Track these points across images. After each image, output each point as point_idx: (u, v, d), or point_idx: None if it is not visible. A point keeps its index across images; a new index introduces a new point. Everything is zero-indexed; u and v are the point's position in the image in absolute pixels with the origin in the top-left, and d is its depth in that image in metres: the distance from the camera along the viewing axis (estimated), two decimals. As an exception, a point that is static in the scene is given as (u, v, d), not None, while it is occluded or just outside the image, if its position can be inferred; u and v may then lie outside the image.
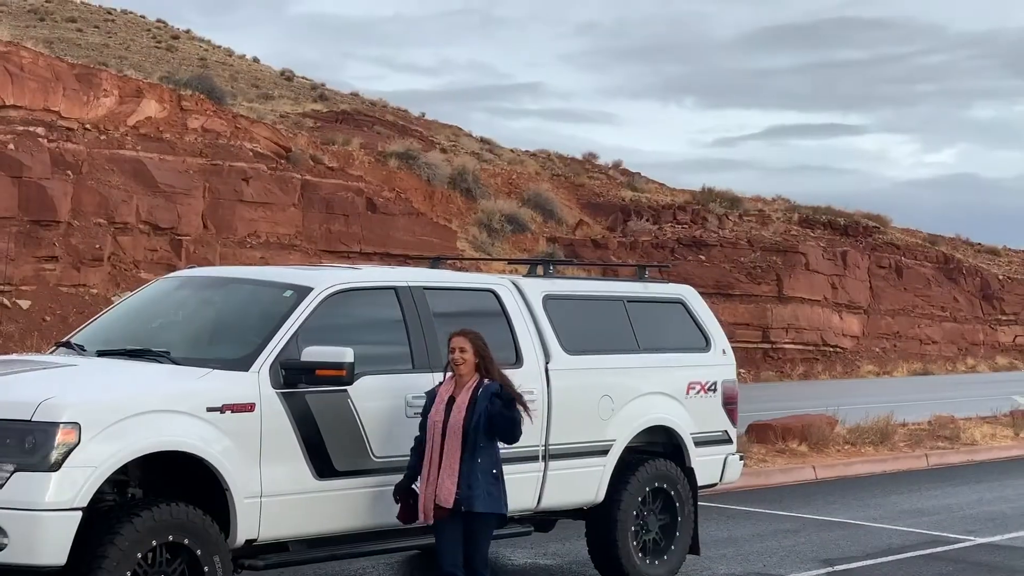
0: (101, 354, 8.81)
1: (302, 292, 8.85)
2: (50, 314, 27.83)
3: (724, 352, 11.49)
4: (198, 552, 7.87)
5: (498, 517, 8.65)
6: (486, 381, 8.58)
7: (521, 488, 9.72)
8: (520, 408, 8.62)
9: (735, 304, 43.16)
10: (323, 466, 8.50)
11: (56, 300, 28.54)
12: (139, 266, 30.30)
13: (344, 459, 8.60)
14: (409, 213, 38.15)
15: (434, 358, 9.21)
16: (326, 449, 8.51)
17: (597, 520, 10.48)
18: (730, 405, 11.38)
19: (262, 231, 33.76)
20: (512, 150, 57.00)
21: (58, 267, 29.06)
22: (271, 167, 35.19)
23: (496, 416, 8.49)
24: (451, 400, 8.53)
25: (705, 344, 11.39)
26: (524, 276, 10.66)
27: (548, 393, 9.89)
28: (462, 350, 8.61)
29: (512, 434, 8.63)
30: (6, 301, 27.76)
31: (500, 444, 8.72)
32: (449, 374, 8.70)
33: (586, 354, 10.32)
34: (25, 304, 28.00)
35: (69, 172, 30.09)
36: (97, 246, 29.74)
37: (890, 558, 12.15)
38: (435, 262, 11.14)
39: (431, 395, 8.66)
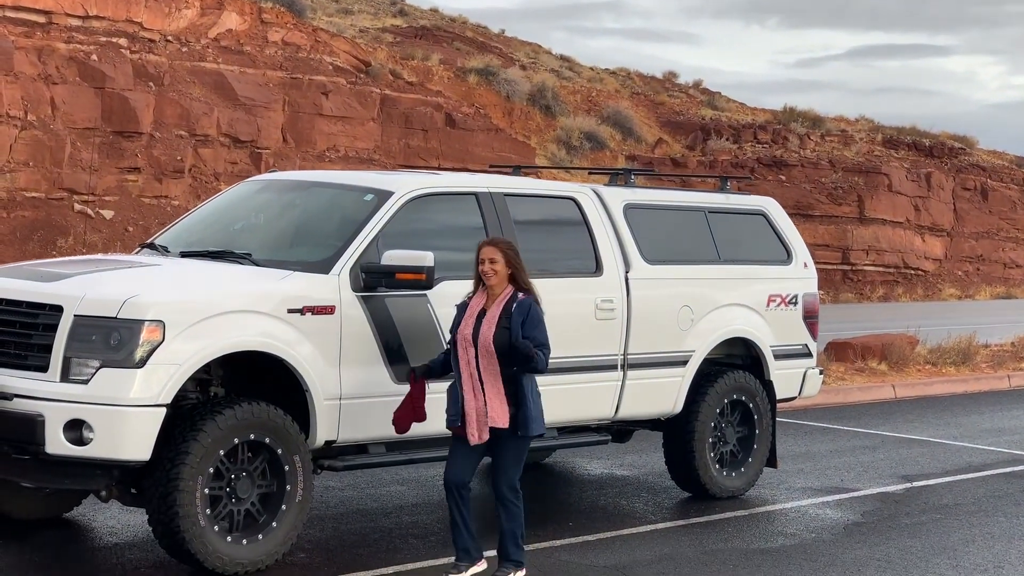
0: (184, 255, 8.88)
1: (383, 196, 8.84)
2: (132, 224, 28.14)
3: (806, 265, 11.38)
4: (279, 451, 7.96)
5: (529, 437, 8.01)
6: (520, 295, 7.90)
7: (599, 397, 9.74)
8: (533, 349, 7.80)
9: (815, 225, 42.68)
10: (402, 371, 8.52)
11: (138, 211, 28.85)
12: (219, 178, 30.49)
13: (424, 364, 8.60)
14: (488, 129, 38.01)
15: (514, 265, 9.16)
16: (405, 353, 8.53)
17: (674, 431, 10.47)
18: (811, 319, 11.28)
19: (341, 145, 33.81)
20: (592, 68, 56.46)
21: (140, 178, 29.33)
22: (350, 81, 35.16)
23: (519, 345, 7.78)
24: (482, 314, 7.86)
25: (786, 257, 11.27)
26: (605, 185, 10.58)
27: (628, 302, 9.84)
28: (492, 261, 7.90)
29: (536, 365, 7.86)
30: (90, 211, 28.10)
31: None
32: (482, 287, 7.97)
33: (666, 264, 10.25)
34: (108, 214, 28.33)
35: (151, 84, 30.26)
36: (178, 158, 29.96)
37: (969, 475, 12.04)
38: (516, 171, 11.08)
39: (461, 308, 7.98)
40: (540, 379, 9.17)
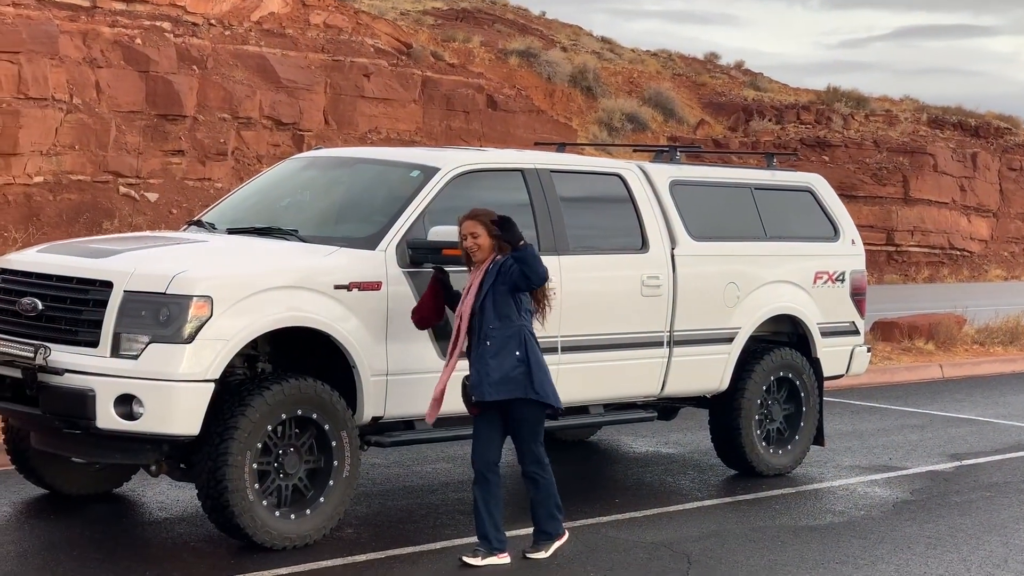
0: (231, 232, 8.90)
1: (429, 172, 8.83)
2: (176, 207, 28.30)
3: (853, 242, 11.31)
4: (326, 427, 7.98)
5: (539, 407, 7.71)
6: (499, 257, 7.69)
7: (645, 374, 9.71)
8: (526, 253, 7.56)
9: (859, 206, 42.35)
10: (447, 347, 8.52)
11: (182, 193, 29.00)
12: (261, 161, 30.59)
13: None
14: (529, 111, 37.95)
15: (560, 241, 9.16)
16: (451, 330, 8.51)
17: (720, 408, 10.43)
18: (858, 296, 11.21)
19: (383, 127, 33.85)
20: (632, 50, 56.25)
21: (184, 161, 29.48)
22: (392, 63, 35.18)
23: (511, 273, 7.57)
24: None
25: (834, 233, 11.20)
26: (651, 162, 10.54)
27: (674, 279, 9.81)
28: (474, 235, 7.70)
29: (530, 278, 7.57)
30: (134, 194, 28.28)
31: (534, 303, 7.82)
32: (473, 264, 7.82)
33: (712, 241, 10.20)
34: (153, 197, 28.50)
35: (194, 67, 30.38)
36: (221, 140, 30.09)
37: (1019, 454, 11.94)
38: (561, 147, 11.05)
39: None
40: (587, 355, 9.26)
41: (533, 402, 7.70)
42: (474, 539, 7.85)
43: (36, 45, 27.23)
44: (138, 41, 29.44)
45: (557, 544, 7.95)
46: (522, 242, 7.63)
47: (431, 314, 8.09)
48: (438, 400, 7.88)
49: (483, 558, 7.69)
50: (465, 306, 7.75)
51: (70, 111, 27.70)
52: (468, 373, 7.83)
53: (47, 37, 27.49)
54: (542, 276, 7.66)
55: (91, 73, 28.47)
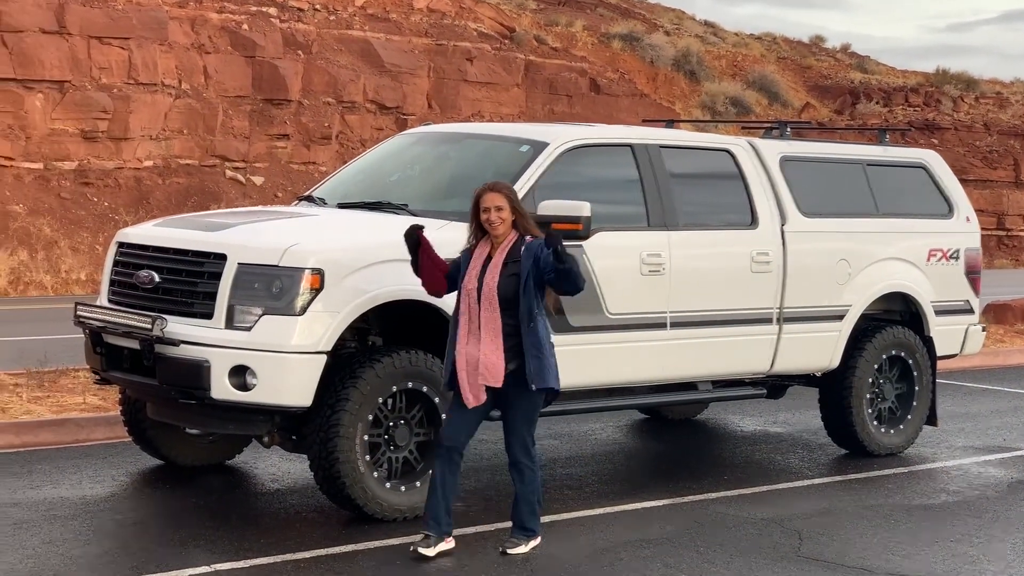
0: (341, 206, 8.97)
1: (538, 147, 8.81)
2: (282, 191, 28.62)
3: (968, 219, 11.10)
4: (436, 400, 8.00)
5: (539, 394, 7.31)
6: (527, 238, 7.25)
7: (755, 350, 9.63)
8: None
9: (969, 189, 41.37)
10: (558, 321, 8.50)
11: (287, 177, 29.33)
12: (365, 144, 30.80)
13: (579, 315, 8.59)
14: (632, 94, 37.81)
15: (669, 217, 9.11)
16: (561, 305, 8.49)
17: (831, 386, 10.31)
18: (973, 274, 11.01)
19: (486, 111, 33.92)
20: (736, 33, 55.73)
21: (289, 145, 29.81)
22: (495, 47, 35.24)
23: (554, 270, 7.10)
24: (487, 264, 7.23)
25: (948, 210, 11.00)
26: (761, 138, 10.43)
27: (784, 255, 9.70)
28: (499, 208, 7.18)
29: (577, 283, 7.20)
30: (241, 177, 28.65)
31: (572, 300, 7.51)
32: (484, 236, 7.30)
33: (823, 217, 10.08)
34: (259, 180, 28.85)
35: (299, 52, 30.69)
36: (326, 124, 30.37)
37: None
38: (670, 124, 10.97)
39: (465, 259, 7.31)
40: (696, 331, 9.19)
41: (543, 391, 7.29)
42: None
43: (146, 31, 27.69)
44: (245, 27, 29.80)
45: (534, 543, 7.43)
46: (562, 246, 7.08)
47: (441, 278, 7.39)
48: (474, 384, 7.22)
49: (435, 545, 7.22)
50: (487, 284, 7.15)
51: (179, 96, 28.13)
52: (462, 352, 7.20)
53: (156, 23, 27.94)
54: (582, 287, 7.28)
55: (199, 59, 28.89)
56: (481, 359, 7.13)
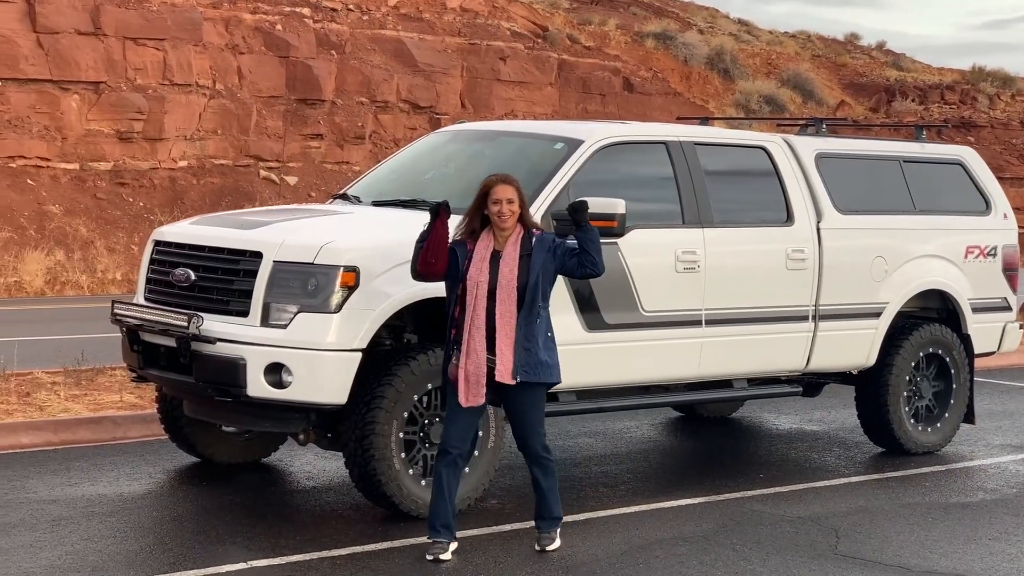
0: (376, 204, 8.99)
1: (573, 145, 8.80)
2: (315, 190, 28.71)
3: (1005, 216, 11.03)
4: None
5: (544, 388, 7.28)
6: (535, 232, 7.15)
7: (790, 348, 9.59)
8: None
9: (1005, 187, 41.06)
10: (593, 319, 8.51)
11: (321, 176, 29.41)
12: (399, 144, 30.87)
13: (614, 313, 8.58)
14: (666, 93, 37.73)
15: (704, 214, 9.09)
16: (596, 302, 8.50)
17: (867, 384, 10.26)
18: (1010, 271, 10.94)
19: (519, 110, 33.92)
20: (770, 31, 55.54)
21: (323, 145, 29.90)
22: (528, 46, 35.23)
23: (564, 257, 7.09)
24: (494, 258, 7.07)
25: (985, 207, 10.93)
26: (796, 135, 10.38)
27: (819, 252, 9.66)
28: (510, 201, 7.04)
29: (597, 265, 7.14)
30: (275, 177, 28.75)
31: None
32: (483, 229, 7.16)
33: (859, 214, 10.03)
34: (292, 180, 28.94)
35: (333, 52, 30.78)
36: (359, 124, 30.44)
37: None
38: (704, 121, 10.94)
39: (461, 252, 7.12)
40: (731, 328, 9.17)
41: (542, 384, 7.23)
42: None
43: (180, 32, 27.83)
44: (278, 27, 29.91)
45: (559, 528, 7.45)
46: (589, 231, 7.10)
47: (445, 258, 7.14)
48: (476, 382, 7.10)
49: (448, 549, 7.16)
50: (506, 277, 7.03)
51: (213, 96, 28.26)
52: (475, 349, 7.06)
53: (191, 24, 28.08)
54: (603, 268, 7.26)
55: (233, 59, 29.02)
56: (499, 357, 7.02)
